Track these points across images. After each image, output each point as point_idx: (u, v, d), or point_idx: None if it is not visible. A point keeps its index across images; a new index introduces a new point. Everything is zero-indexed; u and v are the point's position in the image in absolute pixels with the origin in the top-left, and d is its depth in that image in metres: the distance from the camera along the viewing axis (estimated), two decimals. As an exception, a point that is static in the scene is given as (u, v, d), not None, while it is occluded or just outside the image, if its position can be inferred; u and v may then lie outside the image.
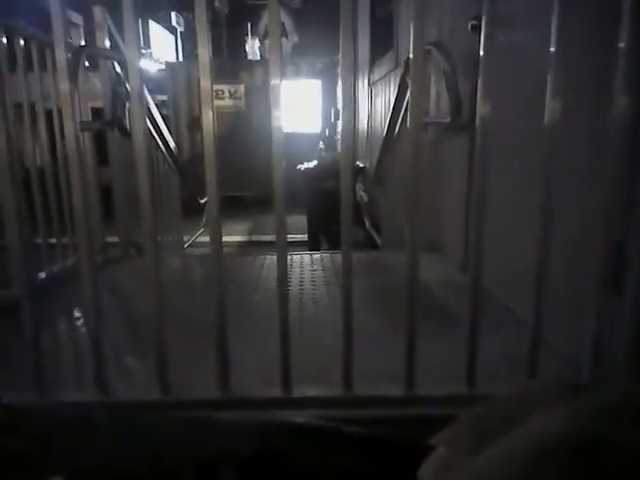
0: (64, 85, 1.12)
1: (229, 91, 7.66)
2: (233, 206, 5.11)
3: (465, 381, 1.22)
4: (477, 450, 0.47)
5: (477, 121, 1.14)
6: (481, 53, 1.12)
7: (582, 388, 0.63)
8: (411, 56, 1.13)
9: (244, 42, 10.36)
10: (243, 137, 7.42)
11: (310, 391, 1.26)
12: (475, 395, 1.19)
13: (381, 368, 1.33)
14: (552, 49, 1.10)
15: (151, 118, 2.75)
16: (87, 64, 2.63)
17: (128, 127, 2.60)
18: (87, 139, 2.50)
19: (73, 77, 1.16)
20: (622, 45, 1.07)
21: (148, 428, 0.99)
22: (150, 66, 9.33)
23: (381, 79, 4.39)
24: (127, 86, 2.49)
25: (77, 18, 2.60)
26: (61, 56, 1.10)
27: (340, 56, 1.14)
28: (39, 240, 2.17)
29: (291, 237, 1.21)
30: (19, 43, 2.01)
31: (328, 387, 1.26)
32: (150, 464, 0.82)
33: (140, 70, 1.13)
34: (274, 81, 1.12)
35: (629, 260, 1.14)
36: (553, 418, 0.44)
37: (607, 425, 0.41)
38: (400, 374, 1.22)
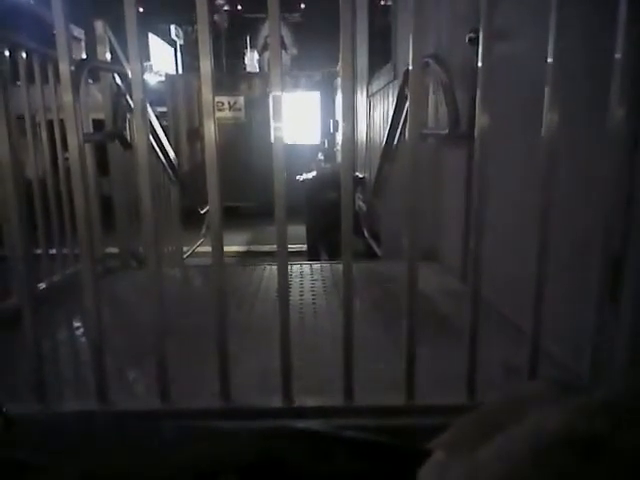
0: (67, 97, 1.13)
1: (229, 103, 7.72)
2: (232, 216, 5.11)
3: (465, 391, 1.23)
4: (475, 452, 0.47)
5: (475, 132, 1.15)
6: (479, 65, 1.13)
7: (578, 389, 0.64)
8: (410, 68, 1.15)
9: (243, 55, 10.47)
10: (243, 148, 7.47)
11: (310, 401, 1.26)
12: (475, 404, 1.19)
13: (381, 378, 1.33)
14: (549, 60, 1.11)
15: (152, 130, 2.77)
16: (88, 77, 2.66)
17: (129, 138, 2.62)
18: (88, 150, 2.51)
19: (76, 90, 1.17)
20: (618, 56, 1.09)
21: (148, 437, 0.99)
22: (150, 78, 9.40)
23: (379, 91, 4.42)
24: (128, 98, 2.52)
25: (78, 32, 2.62)
26: (65, 69, 1.11)
27: (340, 68, 1.16)
28: (39, 250, 2.18)
29: (290, 247, 1.22)
30: (21, 56, 2.03)
31: (329, 397, 1.26)
32: (150, 473, 0.82)
33: (144, 84, 1.14)
34: (275, 93, 1.13)
35: (626, 268, 1.15)
36: (550, 417, 0.45)
37: (604, 424, 0.42)
38: (400, 384, 1.22)
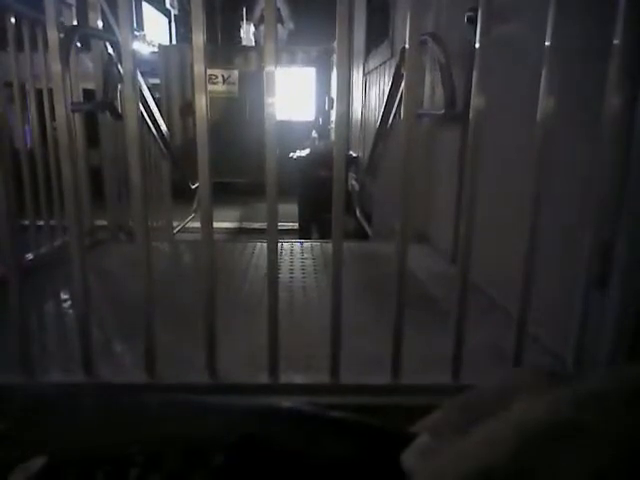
0: (56, 66, 1.10)
1: (222, 76, 7.61)
2: (224, 192, 5.08)
3: (451, 371, 1.24)
4: (460, 437, 0.48)
5: (471, 113, 1.14)
6: (477, 45, 1.11)
7: (565, 376, 0.65)
8: (407, 46, 1.13)
9: (239, 27, 10.25)
10: (236, 123, 7.39)
11: (297, 378, 1.27)
12: (460, 385, 1.21)
13: (368, 357, 1.34)
14: (547, 43, 1.10)
15: (143, 101, 2.73)
16: (79, 45, 2.61)
17: (119, 109, 2.58)
18: (77, 120, 2.47)
19: (65, 58, 1.14)
20: (616, 42, 1.08)
21: (134, 411, 0.98)
22: (143, 49, 9.22)
23: (376, 69, 4.37)
24: (119, 68, 2.47)
25: (70, -3, 2.56)
26: (53, 36, 1.08)
27: (336, 45, 1.13)
28: (27, 222, 2.15)
29: (281, 225, 1.21)
30: (10, 21, 1.97)
31: (315, 374, 1.27)
32: (136, 447, 0.82)
33: (134, 53, 1.12)
34: (269, 68, 1.11)
35: (615, 255, 1.16)
36: (536, 404, 0.45)
37: (592, 413, 0.42)
38: (387, 363, 1.23)
